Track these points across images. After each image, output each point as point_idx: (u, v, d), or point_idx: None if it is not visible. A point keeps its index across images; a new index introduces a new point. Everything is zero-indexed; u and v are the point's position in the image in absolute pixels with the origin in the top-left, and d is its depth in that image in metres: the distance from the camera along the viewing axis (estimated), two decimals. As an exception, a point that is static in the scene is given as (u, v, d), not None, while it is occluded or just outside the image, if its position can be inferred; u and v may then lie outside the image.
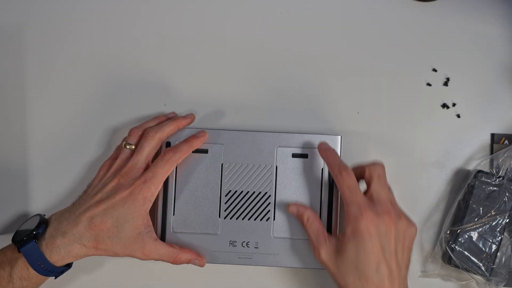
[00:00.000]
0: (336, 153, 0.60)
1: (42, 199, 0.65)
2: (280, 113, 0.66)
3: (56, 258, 0.55)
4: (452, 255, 0.62)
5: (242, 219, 0.61)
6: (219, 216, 0.61)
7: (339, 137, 0.62)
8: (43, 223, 0.57)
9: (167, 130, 0.60)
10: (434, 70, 0.67)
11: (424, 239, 0.65)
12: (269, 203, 0.61)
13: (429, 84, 0.67)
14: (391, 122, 0.66)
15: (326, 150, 0.60)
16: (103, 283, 0.65)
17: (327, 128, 0.66)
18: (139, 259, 0.58)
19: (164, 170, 0.58)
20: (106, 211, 0.56)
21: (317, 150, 0.61)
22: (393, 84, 0.66)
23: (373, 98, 0.66)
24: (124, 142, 0.60)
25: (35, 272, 0.55)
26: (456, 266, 0.62)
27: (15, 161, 0.65)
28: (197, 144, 0.60)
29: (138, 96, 0.66)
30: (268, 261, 0.61)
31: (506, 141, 0.66)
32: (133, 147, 0.60)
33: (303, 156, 0.62)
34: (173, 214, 0.61)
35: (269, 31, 0.67)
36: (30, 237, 0.55)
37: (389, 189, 0.58)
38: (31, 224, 0.57)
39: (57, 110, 0.66)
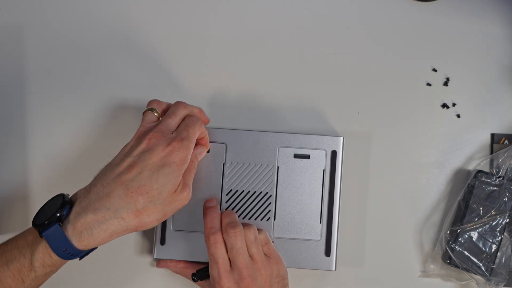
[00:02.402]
0: (218, 214, 0.58)
1: (42, 199, 0.65)
2: (280, 112, 0.66)
3: (86, 241, 0.48)
4: (452, 255, 0.62)
5: (243, 218, 0.61)
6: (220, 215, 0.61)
7: (341, 138, 0.62)
8: (68, 203, 0.50)
9: (195, 110, 0.57)
10: (434, 70, 0.67)
11: (424, 239, 0.65)
12: (270, 203, 0.61)
13: (429, 84, 0.67)
14: (391, 122, 0.66)
15: (207, 209, 0.58)
16: (101, 278, 0.65)
17: (327, 128, 0.66)
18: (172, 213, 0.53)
19: (195, 130, 0.54)
20: (141, 174, 0.50)
21: (319, 151, 0.61)
22: (393, 84, 0.66)
23: (373, 98, 0.66)
24: (148, 108, 0.56)
25: (59, 258, 0.49)
26: (456, 266, 0.62)
27: (15, 161, 0.65)
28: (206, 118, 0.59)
29: (139, 97, 0.66)
30: None
31: (506, 141, 0.66)
32: (158, 113, 0.56)
33: (305, 157, 0.62)
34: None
35: (269, 31, 0.67)
36: (53, 220, 0.48)
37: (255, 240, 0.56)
38: (52, 206, 0.50)
39: (57, 110, 0.66)
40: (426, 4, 0.67)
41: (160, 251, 0.61)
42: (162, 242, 0.61)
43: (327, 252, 0.61)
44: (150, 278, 0.65)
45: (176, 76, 0.66)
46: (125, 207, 0.49)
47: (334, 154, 0.62)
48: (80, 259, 0.52)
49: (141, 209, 0.49)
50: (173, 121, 0.54)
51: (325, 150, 0.62)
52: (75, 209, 0.49)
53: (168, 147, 0.51)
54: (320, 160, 0.62)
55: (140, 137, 0.53)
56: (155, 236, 0.61)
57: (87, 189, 0.51)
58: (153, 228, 0.60)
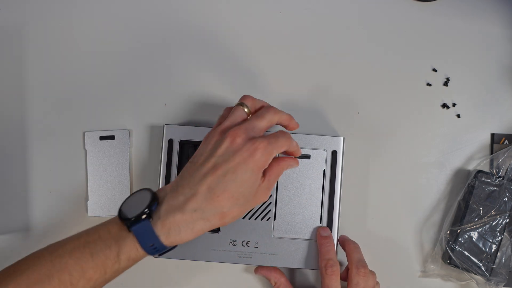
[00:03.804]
0: (333, 245, 0.60)
1: (42, 199, 0.65)
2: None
3: (173, 238, 0.49)
4: (452, 255, 0.62)
5: (243, 218, 0.61)
6: None
7: (342, 138, 0.62)
8: (156, 199, 0.50)
9: (284, 116, 0.56)
10: (434, 70, 0.67)
11: (424, 239, 0.65)
12: (270, 203, 0.61)
13: (429, 84, 0.67)
14: (391, 122, 0.66)
15: (323, 238, 0.60)
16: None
17: (327, 128, 0.66)
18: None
19: (283, 144, 0.53)
20: (226, 176, 0.49)
21: (319, 151, 0.61)
22: (393, 84, 0.66)
23: (373, 98, 0.66)
24: (239, 102, 0.55)
25: (144, 253, 0.49)
26: (456, 266, 0.62)
27: (15, 161, 0.65)
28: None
29: (139, 97, 0.66)
30: (267, 260, 0.61)
31: (506, 141, 0.66)
32: (248, 110, 0.54)
33: (306, 157, 0.62)
34: None
35: (269, 31, 0.67)
36: (143, 215, 0.48)
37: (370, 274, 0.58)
38: (140, 200, 0.50)
39: (57, 110, 0.66)
40: (426, 4, 0.67)
41: None
42: None
43: None
44: (150, 276, 0.65)
45: (174, 75, 0.66)
46: (212, 210, 0.49)
47: (334, 154, 0.62)
48: (159, 256, 0.52)
49: (226, 212, 0.50)
50: (260, 124, 0.53)
51: (326, 150, 0.62)
52: (163, 207, 0.49)
53: (252, 147, 0.50)
54: (320, 160, 0.62)
55: (224, 131, 0.52)
56: None
57: (174, 188, 0.51)
58: None
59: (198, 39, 0.67)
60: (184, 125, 0.64)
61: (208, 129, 0.61)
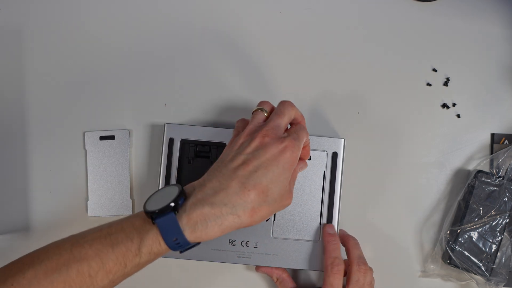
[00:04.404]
0: (339, 244, 0.60)
1: (42, 199, 0.65)
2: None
3: (199, 233, 0.48)
4: (452, 255, 0.62)
5: None
6: None
7: (342, 140, 0.62)
8: (183, 194, 0.49)
9: (299, 113, 0.56)
10: (434, 70, 0.67)
11: (424, 239, 0.65)
12: None
13: (429, 84, 0.67)
14: (391, 122, 0.66)
15: (330, 236, 0.60)
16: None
17: (327, 128, 0.66)
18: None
19: (304, 136, 0.53)
20: (257, 171, 0.49)
21: (320, 152, 0.61)
22: (393, 84, 0.66)
23: (373, 98, 0.66)
24: (258, 107, 0.55)
25: (167, 247, 0.48)
26: (456, 266, 0.62)
27: (15, 161, 0.65)
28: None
29: (139, 97, 0.66)
30: (266, 261, 0.61)
31: (506, 141, 0.66)
32: (267, 113, 0.55)
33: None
34: None
35: (269, 31, 0.67)
36: (168, 208, 0.47)
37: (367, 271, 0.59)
38: (167, 194, 0.49)
39: (57, 110, 0.66)
40: (426, 4, 0.67)
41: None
42: None
43: None
44: (149, 275, 0.65)
45: (173, 74, 0.66)
46: (242, 205, 0.48)
47: (335, 155, 0.62)
48: (181, 252, 0.50)
49: (256, 208, 0.49)
50: (283, 121, 0.53)
51: (326, 152, 0.62)
52: (191, 200, 0.48)
53: (282, 145, 0.50)
54: (321, 162, 0.62)
55: (250, 134, 0.52)
56: None
57: (202, 183, 0.50)
58: None
59: (197, 38, 0.67)
60: (185, 124, 0.63)
61: (210, 129, 0.62)
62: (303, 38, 0.67)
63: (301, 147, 0.52)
